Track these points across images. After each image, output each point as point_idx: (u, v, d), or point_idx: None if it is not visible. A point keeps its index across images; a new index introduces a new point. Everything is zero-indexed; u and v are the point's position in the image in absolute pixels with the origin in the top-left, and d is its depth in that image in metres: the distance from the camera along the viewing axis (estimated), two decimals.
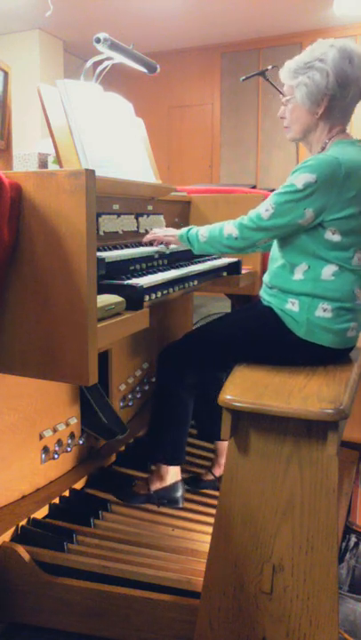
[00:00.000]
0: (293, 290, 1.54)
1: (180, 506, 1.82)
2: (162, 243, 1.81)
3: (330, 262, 1.50)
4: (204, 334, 1.72)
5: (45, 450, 1.79)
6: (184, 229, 1.74)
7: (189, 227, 1.74)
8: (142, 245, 1.82)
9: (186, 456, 1.95)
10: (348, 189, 1.44)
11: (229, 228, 1.58)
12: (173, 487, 1.83)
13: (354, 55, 1.50)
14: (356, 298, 1.53)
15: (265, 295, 1.65)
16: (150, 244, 1.83)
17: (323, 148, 1.57)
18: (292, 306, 1.54)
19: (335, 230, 1.48)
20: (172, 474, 1.83)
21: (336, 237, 1.48)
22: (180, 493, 1.83)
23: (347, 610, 1.62)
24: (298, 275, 1.54)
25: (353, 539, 1.92)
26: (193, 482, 1.96)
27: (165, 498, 1.83)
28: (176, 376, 1.72)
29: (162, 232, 1.82)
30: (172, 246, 1.82)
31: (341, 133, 1.58)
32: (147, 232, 1.94)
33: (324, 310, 1.51)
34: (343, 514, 1.94)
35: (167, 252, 1.83)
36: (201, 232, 1.67)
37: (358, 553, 1.87)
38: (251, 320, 1.66)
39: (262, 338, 1.58)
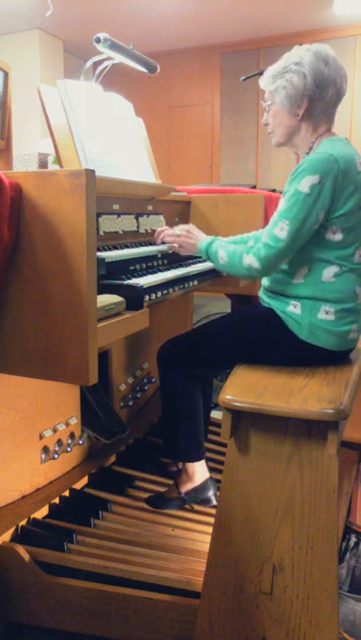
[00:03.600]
0: (295, 294, 1.54)
1: (214, 504, 1.80)
2: (178, 246, 1.79)
3: (331, 263, 1.50)
4: (205, 334, 1.72)
5: (45, 450, 1.79)
6: (205, 242, 1.70)
7: (211, 239, 1.71)
8: (142, 245, 1.82)
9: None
10: (348, 184, 1.44)
11: (248, 258, 1.53)
12: (204, 486, 1.81)
13: (329, 58, 1.53)
14: (358, 297, 1.53)
15: (265, 297, 1.64)
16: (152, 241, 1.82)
17: (310, 149, 1.57)
18: (294, 308, 1.53)
19: (336, 229, 1.47)
20: (200, 472, 1.81)
21: (338, 236, 1.48)
22: (211, 492, 1.81)
23: (347, 610, 1.62)
24: (298, 279, 1.53)
25: (353, 539, 1.92)
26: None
27: (198, 498, 1.81)
28: (178, 371, 1.71)
29: (182, 239, 1.78)
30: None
31: (327, 133, 1.59)
32: (147, 232, 1.94)
33: (327, 313, 1.50)
34: (343, 514, 1.94)
35: (170, 251, 1.82)
36: (220, 254, 1.62)
37: (358, 553, 1.87)
38: (252, 321, 1.65)
39: (264, 339, 1.57)
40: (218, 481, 1.84)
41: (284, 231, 1.45)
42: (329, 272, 1.50)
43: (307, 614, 1.26)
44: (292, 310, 1.54)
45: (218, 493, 1.61)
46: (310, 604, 1.26)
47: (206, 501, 1.81)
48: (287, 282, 1.55)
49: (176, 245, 1.80)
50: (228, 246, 1.63)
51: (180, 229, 1.81)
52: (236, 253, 1.57)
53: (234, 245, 1.62)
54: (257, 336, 1.59)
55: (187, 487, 1.81)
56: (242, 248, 1.57)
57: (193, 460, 1.79)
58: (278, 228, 1.46)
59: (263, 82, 1.62)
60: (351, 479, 2.12)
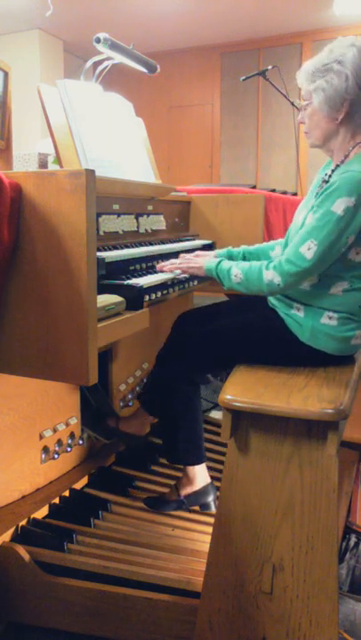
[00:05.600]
0: (299, 299, 1.52)
1: (213, 510, 1.78)
2: (185, 273, 1.69)
3: (343, 279, 1.47)
4: (205, 334, 1.71)
5: (45, 450, 1.79)
6: (213, 263, 1.61)
7: (219, 260, 1.62)
8: (142, 245, 1.82)
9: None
10: None
11: (270, 273, 1.45)
12: (204, 491, 1.79)
13: None
14: None
15: (271, 298, 1.64)
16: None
17: (346, 157, 1.50)
18: (298, 311, 1.52)
19: (360, 250, 1.43)
20: (201, 476, 1.80)
21: (360, 257, 1.44)
22: (211, 497, 1.80)
23: (347, 610, 1.62)
24: (305, 286, 1.50)
25: (353, 539, 1.92)
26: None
27: (197, 503, 1.80)
28: (178, 373, 1.71)
29: (185, 263, 1.69)
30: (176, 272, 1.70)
31: None
32: (147, 232, 1.94)
33: (330, 318, 1.48)
34: (343, 514, 1.94)
35: (182, 278, 1.71)
36: (234, 272, 1.54)
37: (358, 553, 1.86)
38: (255, 321, 1.64)
39: (265, 340, 1.56)
40: (218, 480, 1.84)
41: (312, 251, 1.39)
42: (338, 287, 1.47)
43: (307, 614, 1.26)
44: (295, 312, 1.53)
45: (218, 494, 1.61)
46: (310, 603, 1.26)
47: (206, 506, 1.80)
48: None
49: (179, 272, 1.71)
50: (240, 263, 1.55)
51: (172, 263, 1.71)
52: (253, 269, 1.50)
53: (247, 262, 1.55)
54: (258, 336, 1.58)
55: (187, 491, 1.80)
56: (257, 263, 1.50)
57: (193, 463, 1.78)
58: (305, 247, 1.39)
59: (301, 78, 1.51)
60: (351, 479, 2.12)
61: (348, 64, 1.41)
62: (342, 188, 1.36)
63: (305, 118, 1.53)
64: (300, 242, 1.42)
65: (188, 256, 1.77)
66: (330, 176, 1.53)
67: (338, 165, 1.51)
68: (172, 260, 1.73)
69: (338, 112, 1.46)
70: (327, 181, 1.53)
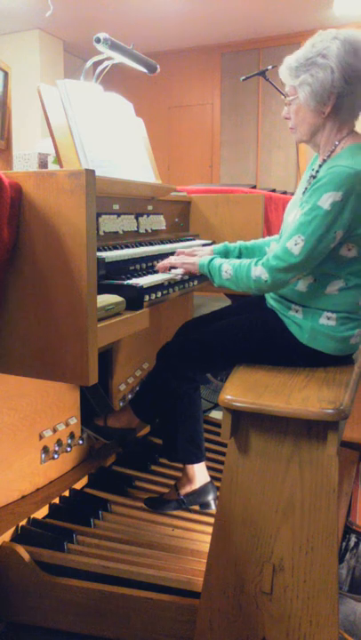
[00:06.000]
0: (297, 300, 1.52)
1: (213, 509, 1.79)
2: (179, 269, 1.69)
3: (338, 278, 1.46)
4: (206, 335, 1.71)
5: (45, 450, 1.79)
6: (206, 259, 1.62)
7: (211, 257, 1.63)
8: (142, 245, 1.82)
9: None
10: None
11: (258, 270, 1.45)
12: (204, 490, 1.80)
13: (359, 46, 1.38)
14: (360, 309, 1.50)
15: (269, 299, 1.63)
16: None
17: (332, 151, 1.48)
18: (296, 312, 1.52)
19: (353, 246, 1.42)
20: (201, 475, 1.80)
21: (352, 253, 1.42)
22: (211, 496, 1.80)
23: (347, 610, 1.62)
24: (301, 286, 1.50)
25: (353, 539, 1.92)
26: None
27: (196, 502, 1.80)
28: (178, 372, 1.70)
29: (180, 260, 1.69)
30: (178, 271, 1.70)
31: (352, 134, 1.48)
32: (147, 232, 1.94)
33: (328, 318, 1.47)
34: (343, 514, 1.94)
35: (179, 279, 1.71)
36: (224, 268, 1.54)
37: (358, 553, 1.86)
38: (254, 322, 1.64)
39: (265, 341, 1.56)
40: (218, 480, 1.84)
41: (299, 246, 1.37)
42: (334, 286, 1.46)
43: (307, 614, 1.26)
44: (293, 314, 1.52)
45: (218, 494, 1.61)
46: (310, 603, 1.26)
47: (205, 505, 1.80)
48: (290, 287, 1.52)
49: (180, 271, 1.70)
50: (232, 260, 1.55)
51: (169, 260, 1.71)
52: (243, 266, 1.49)
53: (240, 260, 1.55)
54: (258, 338, 1.57)
55: (186, 490, 1.80)
56: (248, 260, 1.49)
57: (193, 462, 1.79)
58: (293, 242, 1.38)
59: (284, 74, 1.48)
60: (351, 479, 2.12)
61: (332, 57, 1.38)
62: (330, 182, 1.34)
63: (290, 114, 1.51)
64: (287, 238, 1.41)
65: (185, 252, 1.77)
66: (317, 171, 1.52)
67: (325, 160, 1.50)
68: (171, 258, 1.73)
69: (325, 106, 1.43)
70: (315, 177, 1.52)
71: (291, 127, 1.54)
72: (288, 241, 1.40)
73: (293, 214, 1.53)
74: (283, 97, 1.54)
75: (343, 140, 1.47)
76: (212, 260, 1.60)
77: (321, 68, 1.39)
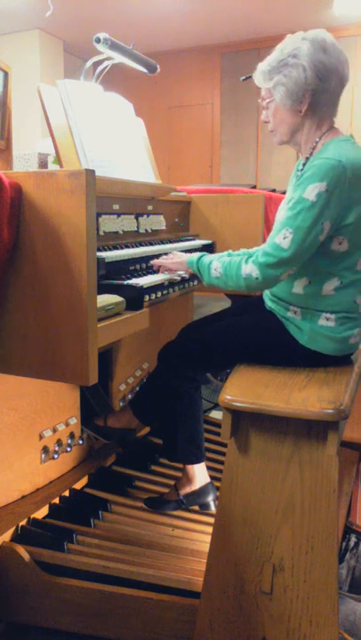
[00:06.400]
0: (294, 302, 1.51)
1: (213, 510, 1.78)
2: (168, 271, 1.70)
3: (333, 276, 1.45)
4: (207, 335, 1.71)
5: (45, 450, 1.79)
6: (195, 256, 1.62)
7: (200, 254, 1.62)
8: (142, 245, 1.82)
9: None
10: (356, 192, 1.37)
11: (248, 267, 1.43)
12: (203, 490, 1.79)
13: (328, 44, 1.42)
14: (359, 307, 1.49)
15: (267, 300, 1.63)
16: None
17: (314, 148, 1.50)
18: (295, 314, 1.51)
19: (343, 239, 1.41)
20: (200, 476, 1.80)
21: (343, 247, 1.42)
22: (210, 497, 1.79)
23: (347, 610, 1.62)
24: (298, 288, 1.49)
25: (353, 539, 1.92)
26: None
27: (196, 503, 1.80)
28: (179, 372, 1.70)
29: (168, 260, 1.70)
30: (180, 272, 1.70)
31: (332, 130, 1.50)
32: (147, 232, 1.94)
33: (327, 319, 1.47)
34: (343, 514, 1.94)
35: (179, 279, 1.71)
36: (214, 265, 1.53)
37: (358, 553, 1.86)
38: (254, 323, 1.64)
39: (264, 341, 1.56)
40: (218, 480, 1.84)
41: (288, 240, 1.37)
42: (329, 285, 1.46)
43: (307, 614, 1.26)
44: (292, 316, 1.52)
45: (218, 494, 1.61)
46: (310, 603, 1.26)
47: (205, 506, 1.80)
48: (287, 289, 1.52)
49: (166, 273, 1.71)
50: (222, 257, 1.54)
51: (158, 261, 1.72)
52: (233, 264, 1.48)
53: (229, 257, 1.54)
54: (258, 339, 1.57)
55: (186, 490, 1.80)
56: (238, 258, 1.48)
57: (193, 462, 1.78)
58: (281, 237, 1.38)
59: (259, 79, 1.51)
60: (351, 479, 2.12)
61: (303, 56, 1.41)
62: (314, 174, 1.35)
63: (269, 117, 1.53)
64: (275, 233, 1.41)
65: (178, 253, 1.77)
66: (302, 170, 1.53)
67: (308, 158, 1.51)
68: (160, 259, 1.74)
69: (301, 104, 1.46)
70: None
71: (271, 130, 1.56)
72: (276, 236, 1.40)
73: (283, 213, 1.53)
74: (261, 100, 1.55)
75: (323, 136, 1.50)
76: (201, 257, 1.60)
77: (293, 68, 1.43)
